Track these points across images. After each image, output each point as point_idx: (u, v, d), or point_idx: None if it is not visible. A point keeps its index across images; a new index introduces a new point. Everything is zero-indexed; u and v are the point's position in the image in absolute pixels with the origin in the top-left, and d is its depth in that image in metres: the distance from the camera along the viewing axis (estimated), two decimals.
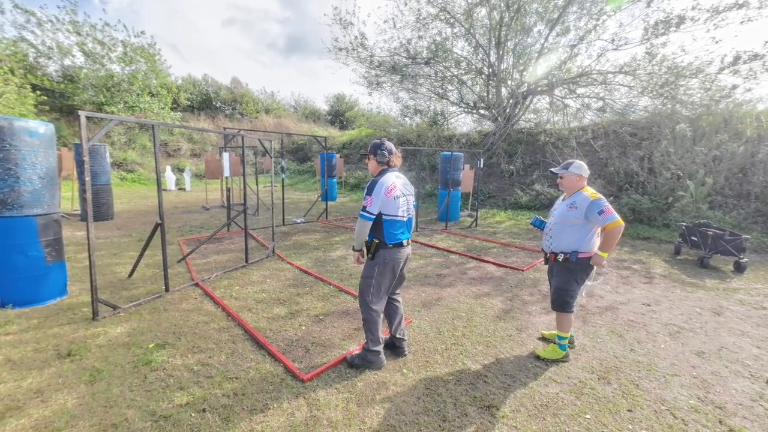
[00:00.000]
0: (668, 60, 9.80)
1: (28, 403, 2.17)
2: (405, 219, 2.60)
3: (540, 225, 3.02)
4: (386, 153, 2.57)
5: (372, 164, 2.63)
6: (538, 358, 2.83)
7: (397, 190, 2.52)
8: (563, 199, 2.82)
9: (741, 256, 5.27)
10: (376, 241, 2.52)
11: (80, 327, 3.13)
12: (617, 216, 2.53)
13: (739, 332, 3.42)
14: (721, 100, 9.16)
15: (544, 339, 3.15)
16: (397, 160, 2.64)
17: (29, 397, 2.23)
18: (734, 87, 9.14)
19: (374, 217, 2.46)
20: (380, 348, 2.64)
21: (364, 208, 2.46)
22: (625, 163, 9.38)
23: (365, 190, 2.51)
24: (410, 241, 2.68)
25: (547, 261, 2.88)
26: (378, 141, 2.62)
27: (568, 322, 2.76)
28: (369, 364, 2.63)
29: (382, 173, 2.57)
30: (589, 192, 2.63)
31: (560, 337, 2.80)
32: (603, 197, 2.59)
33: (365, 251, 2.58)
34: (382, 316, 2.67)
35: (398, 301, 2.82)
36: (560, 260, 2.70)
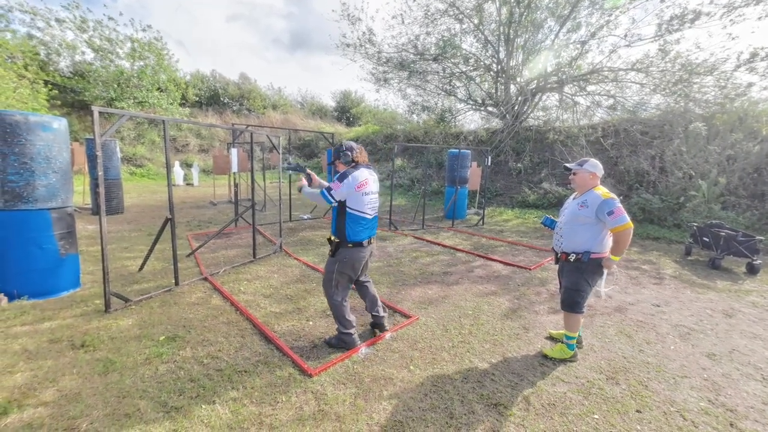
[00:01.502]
0: (682, 57, 9.60)
1: (44, 392, 2.23)
2: (371, 217, 2.67)
3: (550, 224, 2.99)
4: (349, 153, 2.65)
5: (340, 168, 2.71)
6: (546, 357, 2.82)
7: (368, 187, 2.61)
8: (574, 198, 2.79)
9: (754, 258, 5.18)
10: (337, 240, 2.63)
11: (93, 319, 3.19)
12: (627, 218, 2.47)
13: (751, 335, 3.37)
14: (737, 98, 8.96)
15: (551, 338, 3.14)
16: (362, 155, 2.70)
17: (45, 386, 2.28)
18: (750, 85, 8.93)
19: (333, 203, 2.55)
20: (352, 330, 2.78)
21: (328, 190, 2.53)
22: (636, 162, 9.24)
23: (336, 175, 2.57)
24: (374, 240, 2.77)
25: (557, 261, 2.86)
26: (337, 145, 2.74)
27: (576, 323, 2.74)
28: (345, 344, 2.79)
29: (355, 168, 2.63)
30: (602, 191, 2.59)
31: (568, 337, 2.78)
32: (615, 197, 2.55)
33: (332, 244, 2.68)
34: (348, 303, 2.80)
35: (368, 282, 2.96)
36: (572, 260, 2.67)
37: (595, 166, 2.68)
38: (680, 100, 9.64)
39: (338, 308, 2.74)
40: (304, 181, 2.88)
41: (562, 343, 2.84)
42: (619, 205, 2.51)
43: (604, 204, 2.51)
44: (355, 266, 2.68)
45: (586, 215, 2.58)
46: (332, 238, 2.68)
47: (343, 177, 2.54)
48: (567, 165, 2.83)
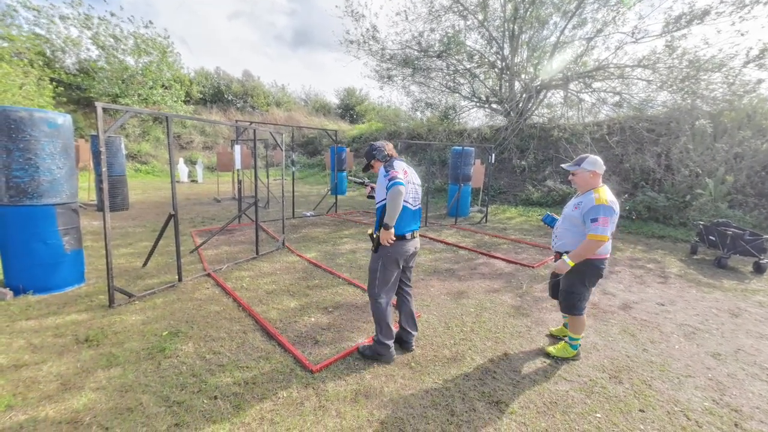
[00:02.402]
0: (690, 53, 9.46)
1: (48, 386, 2.25)
2: (414, 208, 2.59)
3: (551, 222, 2.97)
4: (382, 149, 2.61)
5: (377, 165, 2.66)
6: (548, 355, 2.81)
7: (408, 177, 2.55)
8: (576, 197, 2.75)
9: (761, 257, 5.11)
10: (379, 234, 2.51)
11: (97, 314, 3.21)
12: (607, 232, 2.36)
13: (757, 335, 3.33)
14: (745, 95, 8.82)
15: (552, 336, 3.12)
16: (392, 151, 2.66)
17: (49, 380, 2.30)
18: (759, 81, 8.79)
19: (404, 183, 2.39)
20: (390, 342, 2.65)
21: (392, 179, 2.37)
22: (642, 159, 9.14)
23: (381, 173, 2.51)
24: (417, 234, 2.66)
25: (557, 260, 2.84)
26: (368, 148, 2.67)
27: (581, 324, 2.71)
28: (378, 357, 2.65)
29: (392, 161, 2.58)
30: (599, 194, 2.45)
31: (572, 338, 2.76)
32: (610, 206, 2.39)
33: (374, 240, 2.55)
34: (391, 308, 2.68)
35: (409, 294, 2.83)
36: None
37: (594, 163, 2.52)
38: (687, 97, 9.50)
39: (383, 312, 2.59)
40: (374, 191, 2.78)
41: (566, 342, 2.81)
42: (609, 216, 2.38)
43: (593, 210, 2.40)
44: (398, 261, 2.58)
45: (578, 217, 2.54)
46: (374, 233, 2.57)
47: (389, 166, 2.48)
48: (563, 166, 2.72)
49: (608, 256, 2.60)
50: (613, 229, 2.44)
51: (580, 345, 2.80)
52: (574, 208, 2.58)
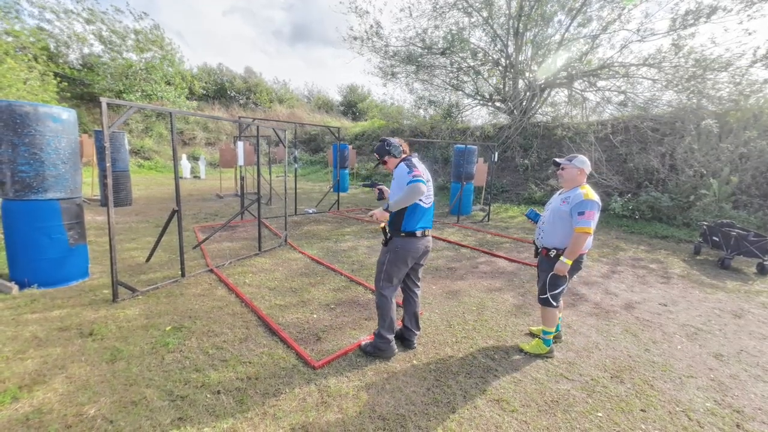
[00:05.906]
0: (696, 52, 9.38)
1: (53, 379, 2.27)
2: (427, 206, 2.57)
3: (535, 218, 3.00)
4: (398, 146, 2.60)
5: (392, 162, 2.63)
6: (521, 351, 2.84)
7: (424, 176, 2.51)
8: (560, 194, 2.77)
9: (765, 258, 5.09)
10: (390, 229, 2.54)
11: (101, 308, 3.24)
12: (591, 224, 2.48)
13: (760, 336, 3.32)
14: (751, 94, 8.74)
15: (531, 334, 3.14)
16: (407, 147, 2.65)
17: (54, 373, 2.33)
18: (766, 81, 8.70)
19: (424, 181, 2.39)
20: (391, 336, 2.66)
21: (416, 177, 2.36)
22: (646, 159, 9.09)
23: (402, 170, 2.44)
24: (429, 233, 2.63)
25: (537, 254, 2.85)
26: (380, 144, 2.63)
27: (553, 317, 2.75)
28: (380, 352, 2.66)
29: (408, 158, 2.55)
30: (586, 190, 2.57)
31: (545, 332, 2.79)
32: (596, 202, 2.52)
33: (385, 233, 2.57)
34: (394, 304, 2.68)
35: (416, 295, 2.82)
36: (552, 256, 2.67)
37: (584, 162, 2.66)
38: (693, 97, 9.43)
39: (383, 307, 2.61)
40: (384, 193, 2.76)
41: (539, 338, 2.84)
42: (594, 210, 2.50)
43: (581, 204, 2.51)
44: (407, 259, 2.56)
45: (566, 211, 2.59)
46: (386, 228, 2.57)
47: (410, 164, 2.45)
48: (556, 159, 2.82)
49: (588, 251, 2.68)
50: (595, 224, 2.55)
51: (552, 342, 2.83)
52: (563, 203, 2.63)
